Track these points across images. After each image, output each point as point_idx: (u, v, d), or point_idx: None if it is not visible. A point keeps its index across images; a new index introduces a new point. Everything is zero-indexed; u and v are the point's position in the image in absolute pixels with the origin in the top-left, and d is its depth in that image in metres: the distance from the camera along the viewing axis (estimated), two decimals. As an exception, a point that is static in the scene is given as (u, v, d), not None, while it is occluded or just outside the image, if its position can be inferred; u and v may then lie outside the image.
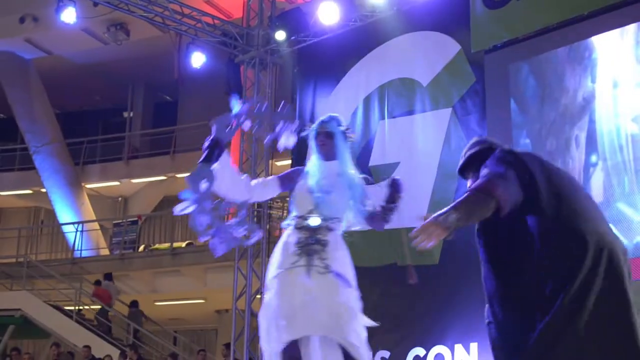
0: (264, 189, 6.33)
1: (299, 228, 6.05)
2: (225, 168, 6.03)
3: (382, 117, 14.35)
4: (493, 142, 5.23)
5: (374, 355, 13.20)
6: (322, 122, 6.37)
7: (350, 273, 6.09)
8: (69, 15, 14.82)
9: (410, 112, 13.97)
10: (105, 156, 28.22)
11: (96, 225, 26.60)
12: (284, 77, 17.25)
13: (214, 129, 6.13)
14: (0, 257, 25.61)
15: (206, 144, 6.07)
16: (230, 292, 16.74)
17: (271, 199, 17.36)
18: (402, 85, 14.15)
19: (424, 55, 13.95)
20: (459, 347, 12.51)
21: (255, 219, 16.33)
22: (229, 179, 6.06)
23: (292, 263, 5.93)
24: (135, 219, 25.50)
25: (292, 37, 15.64)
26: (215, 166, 5.97)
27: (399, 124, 14.13)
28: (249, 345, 15.80)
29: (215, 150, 6.02)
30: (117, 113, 30.93)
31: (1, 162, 28.76)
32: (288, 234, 6.16)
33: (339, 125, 6.35)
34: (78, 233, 25.57)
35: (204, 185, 5.94)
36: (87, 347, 19.40)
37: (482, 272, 4.92)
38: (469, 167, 5.18)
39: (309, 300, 5.80)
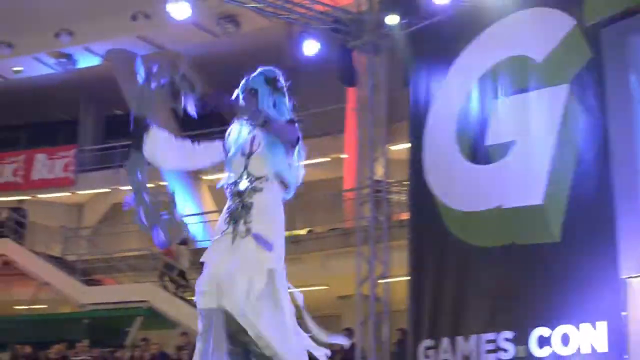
0: (206, 151, 6.05)
1: (233, 194, 5.83)
2: (155, 142, 5.82)
3: (497, 97, 14.26)
4: None
5: (497, 334, 13.22)
6: (247, 78, 6.06)
7: (275, 235, 5.75)
8: (181, 10, 15.00)
9: (525, 90, 13.84)
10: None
11: (217, 216, 26.91)
12: (397, 60, 17.22)
13: (133, 107, 5.90)
14: (126, 250, 26.13)
15: (131, 126, 5.85)
16: (353, 278, 16.82)
17: (388, 183, 17.37)
18: (516, 63, 14.02)
19: (538, 32, 13.80)
20: (585, 327, 12.34)
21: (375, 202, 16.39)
22: (163, 150, 5.86)
23: (222, 232, 5.77)
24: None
25: (404, 21, 15.58)
26: (146, 146, 5.79)
27: (513, 102, 14.03)
28: (375, 330, 15.88)
29: (141, 130, 5.80)
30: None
31: (120, 157, 29.30)
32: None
33: (266, 78, 6.05)
34: (199, 224, 25.96)
35: (139, 174, 5.82)
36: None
37: None
38: None
39: (221, 270, 5.67)
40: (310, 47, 16.30)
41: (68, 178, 28.87)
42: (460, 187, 14.53)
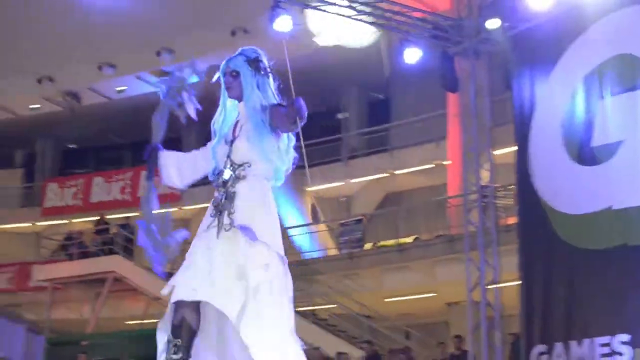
0: (205, 154, 5.72)
1: (218, 186, 5.45)
2: (168, 166, 5.70)
3: (603, 96, 14.04)
4: None
5: (612, 337, 13.00)
6: (227, 60, 5.69)
7: (259, 224, 5.33)
8: (283, 24, 15.05)
9: (632, 89, 13.61)
10: (324, 158, 28.70)
11: (323, 227, 27.07)
12: (498, 64, 17.11)
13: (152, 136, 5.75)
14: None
15: (145, 155, 5.73)
16: (461, 285, 16.74)
17: (494, 188, 17.25)
18: (622, 61, 13.79)
19: (643, 30, 13.61)
20: None
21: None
22: (178, 171, 5.71)
23: (207, 226, 5.35)
24: (360, 217, 25.79)
25: (505, 24, 15.49)
26: (161, 173, 5.68)
27: (620, 101, 13.80)
28: (487, 336, 15.77)
29: (153, 159, 5.70)
30: (331, 115, 31.32)
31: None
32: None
33: (247, 59, 5.66)
34: (305, 235, 26.11)
35: (151, 206, 5.62)
36: (316, 348, 19.71)
37: None
38: None
39: (214, 268, 5.23)
40: (411, 55, 16.27)
41: (174, 193, 29.23)
42: (568, 190, 14.35)
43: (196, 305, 5.27)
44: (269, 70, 5.70)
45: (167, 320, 5.35)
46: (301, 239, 26.42)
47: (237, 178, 5.38)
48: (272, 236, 5.34)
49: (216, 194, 5.43)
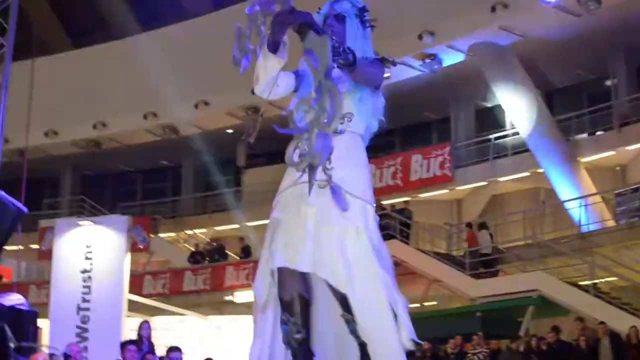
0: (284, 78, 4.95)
1: (307, 139, 4.70)
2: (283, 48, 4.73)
3: None
4: None
5: None
6: (332, 3, 5.07)
7: (359, 185, 4.90)
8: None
9: None
10: (595, 128, 28.08)
11: (598, 198, 26.46)
12: None
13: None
14: (511, 240, 26.30)
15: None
16: None
17: None
18: None
19: None
20: None
21: None
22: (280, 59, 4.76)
23: (295, 180, 4.84)
24: (637, 186, 25.04)
25: None
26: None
27: None
28: None
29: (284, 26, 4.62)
30: (599, 82, 30.52)
31: (495, 149, 29.47)
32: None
33: (355, 5, 5.07)
34: (581, 208, 25.62)
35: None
36: (602, 323, 19.31)
37: None
38: None
39: (304, 232, 4.80)
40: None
41: (445, 175, 29.40)
42: None
43: (302, 273, 4.87)
44: (372, 24, 5.21)
45: (273, 287, 4.98)
46: (577, 211, 25.90)
47: (335, 132, 4.70)
48: (370, 196, 4.98)
49: (301, 144, 4.61)
